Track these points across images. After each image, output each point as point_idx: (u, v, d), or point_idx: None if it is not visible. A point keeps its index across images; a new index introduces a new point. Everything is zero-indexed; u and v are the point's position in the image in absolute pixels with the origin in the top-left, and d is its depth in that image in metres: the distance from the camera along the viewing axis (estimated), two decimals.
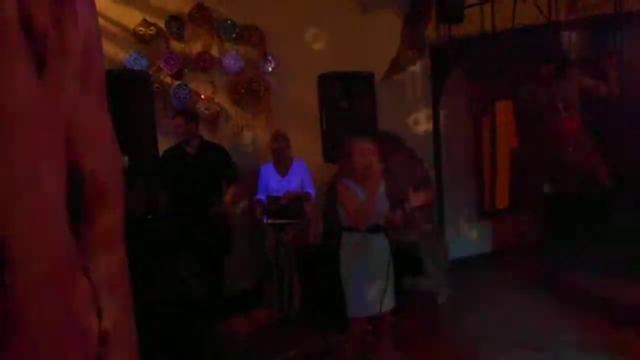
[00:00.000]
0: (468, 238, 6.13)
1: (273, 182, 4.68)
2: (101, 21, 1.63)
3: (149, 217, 4.02)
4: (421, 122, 5.90)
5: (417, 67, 5.84)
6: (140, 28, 4.45)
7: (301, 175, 4.70)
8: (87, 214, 1.21)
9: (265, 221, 4.61)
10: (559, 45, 5.26)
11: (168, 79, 4.61)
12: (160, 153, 4.07)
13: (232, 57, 4.81)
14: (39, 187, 1.03)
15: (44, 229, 1.04)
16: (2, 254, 1.03)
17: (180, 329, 3.43)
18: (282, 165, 4.72)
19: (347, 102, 4.33)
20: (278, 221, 4.57)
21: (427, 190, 3.29)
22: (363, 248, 3.03)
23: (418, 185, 3.52)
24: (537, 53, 4.95)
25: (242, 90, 4.92)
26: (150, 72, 4.25)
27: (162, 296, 3.48)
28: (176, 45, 4.64)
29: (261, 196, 4.72)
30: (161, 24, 4.55)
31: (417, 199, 3.16)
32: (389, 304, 3.11)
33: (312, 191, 4.71)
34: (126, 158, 3.10)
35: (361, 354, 3.24)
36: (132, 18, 4.45)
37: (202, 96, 4.78)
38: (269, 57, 5.00)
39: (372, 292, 3.02)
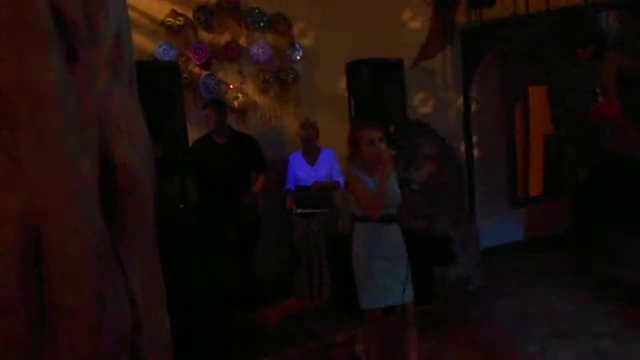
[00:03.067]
0: (500, 226, 6.03)
1: (302, 172, 4.68)
2: (131, 13, 1.64)
3: (181, 207, 4.06)
4: (452, 109, 5.80)
5: (447, 53, 5.73)
6: (169, 19, 4.48)
7: (330, 164, 4.69)
8: (119, 204, 1.22)
9: (294, 211, 4.62)
10: (596, 27, 5.08)
11: (197, 70, 4.63)
12: (190, 143, 4.10)
13: (260, 46, 4.80)
14: (73, 176, 1.04)
15: (77, 219, 1.05)
16: (38, 245, 1.04)
17: (212, 318, 3.47)
18: (311, 154, 4.71)
19: (376, 89, 4.27)
20: (307, 211, 4.57)
21: (430, 165, 3.19)
22: (375, 239, 2.96)
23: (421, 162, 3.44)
24: (572, 36, 4.78)
25: (271, 80, 4.91)
26: (180, 63, 4.27)
27: (194, 286, 3.52)
28: (204, 36, 4.66)
29: (290, 186, 4.73)
30: (189, 14, 4.57)
31: (421, 174, 3.11)
32: (408, 294, 3.02)
33: (340, 180, 4.69)
34: (161, 148, 3.12)
35: (384, 344, 3.20)
36: (160, 9, 4.48)
37: (231, 86, 4.79)
38: (297, 46, 4.98)
39: (384, 283, 2.94)
